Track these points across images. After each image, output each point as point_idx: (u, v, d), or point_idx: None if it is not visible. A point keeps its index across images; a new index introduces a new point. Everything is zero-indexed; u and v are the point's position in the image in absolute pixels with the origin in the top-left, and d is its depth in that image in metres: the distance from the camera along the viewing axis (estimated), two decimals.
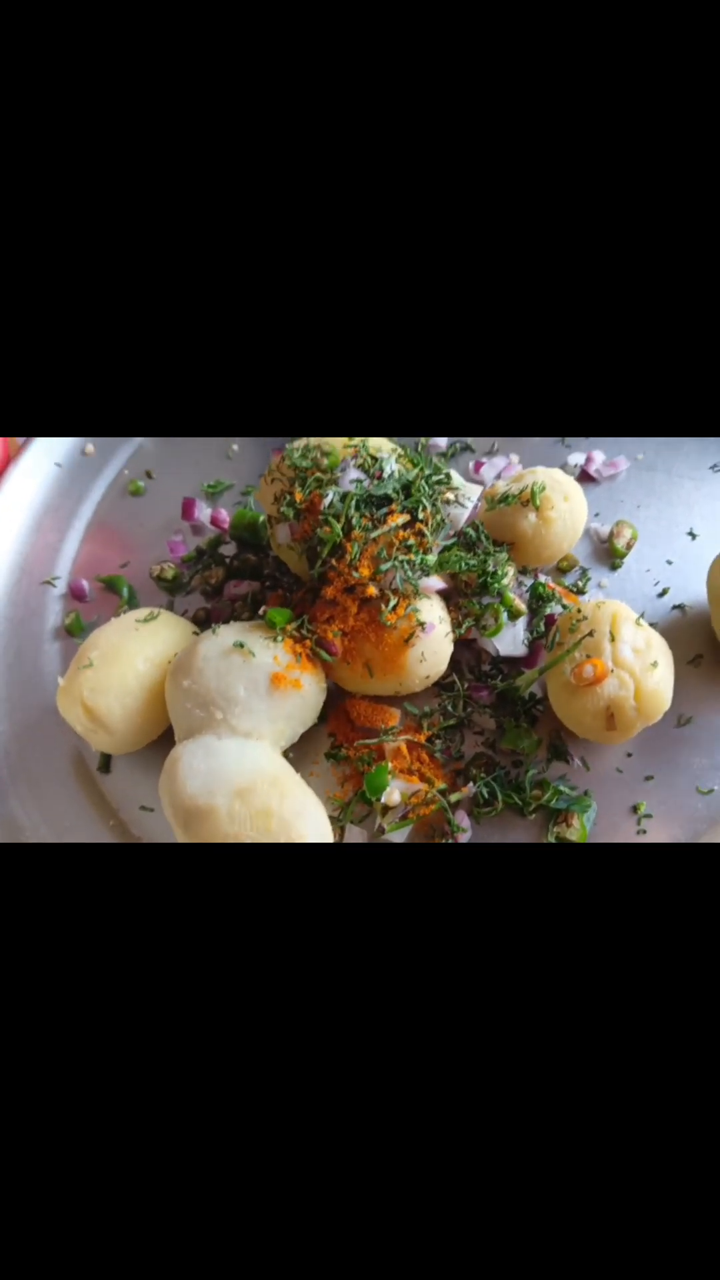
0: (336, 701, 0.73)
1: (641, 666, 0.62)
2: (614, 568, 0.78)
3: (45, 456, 0.91)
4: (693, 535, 0.79)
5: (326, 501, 0.67)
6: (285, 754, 0.68)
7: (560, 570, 0.78)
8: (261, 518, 0.82)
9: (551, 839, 0.65)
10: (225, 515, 0.85)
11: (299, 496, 0.68)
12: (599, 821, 0.67)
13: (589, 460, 0.82)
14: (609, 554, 0.78)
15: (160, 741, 0.72)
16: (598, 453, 0.83)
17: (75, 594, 0.83)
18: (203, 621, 0.80)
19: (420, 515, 0.67)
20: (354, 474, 0.68)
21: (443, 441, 0.87)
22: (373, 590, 0.65)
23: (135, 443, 0.92)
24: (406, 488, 0.68)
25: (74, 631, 0.81)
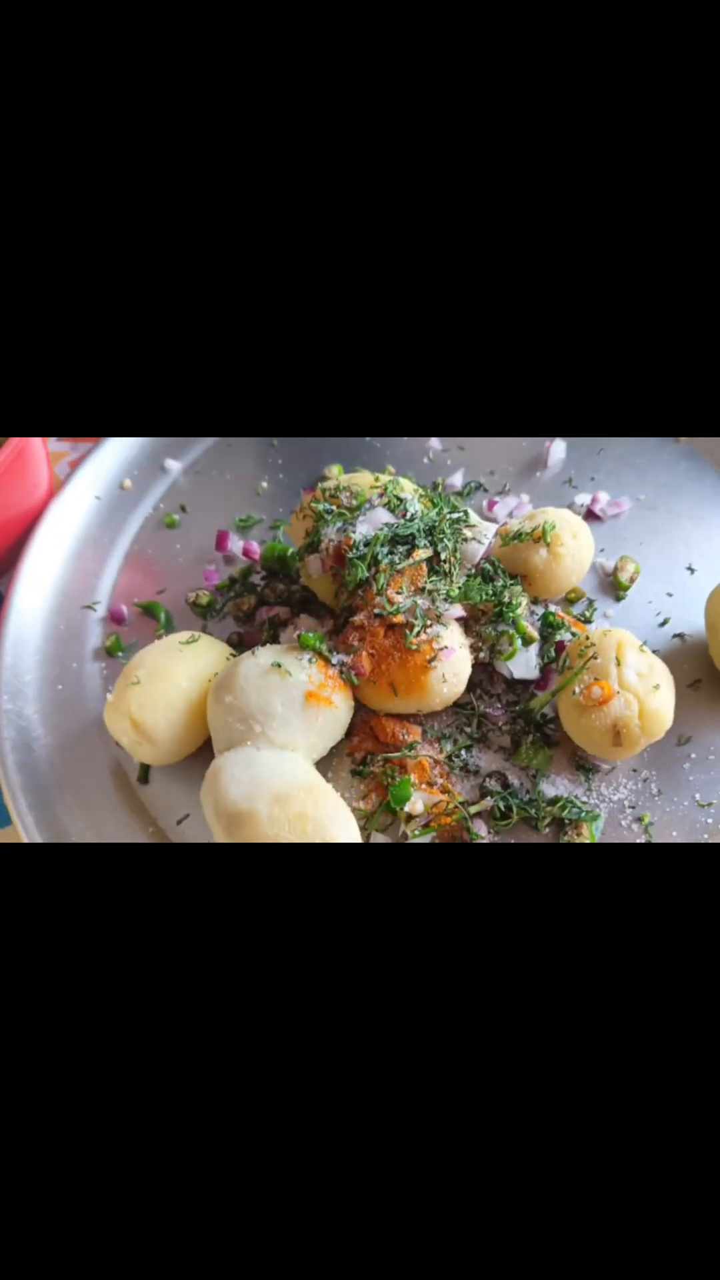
0: (360, 716, 0.78)
1: (645, 689, 0.68)
2: (618, 599, 0.84)
3: (86, 490, 0.97)
4: (691, 570, 0.85)
5: (356, 538, 0.74)
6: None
7: (569, 601, 0.84)
8: (291, 550, 0.88)
9: None
10: (256, 547, 0.92)
11: (324, 540, 0.74)
12: (607, 832, 0.72)
13: (594, 500, 0.89)
14: (614, 587, 0.84)
15: (196, 756, 0.77)
16: (603, 493, 0.90)
17: (115, 618, 0.89)
18: (236, 645, 0.85)
19: (441, 551, 0.74)
20: (380, 514, 0.75)
21: (458, 481, 0.93)
22: (400, 617, 0.71)
23: (170, 478, 0.99)
24: (430, 529, 0.74)
25: (113, 652, 0.87)
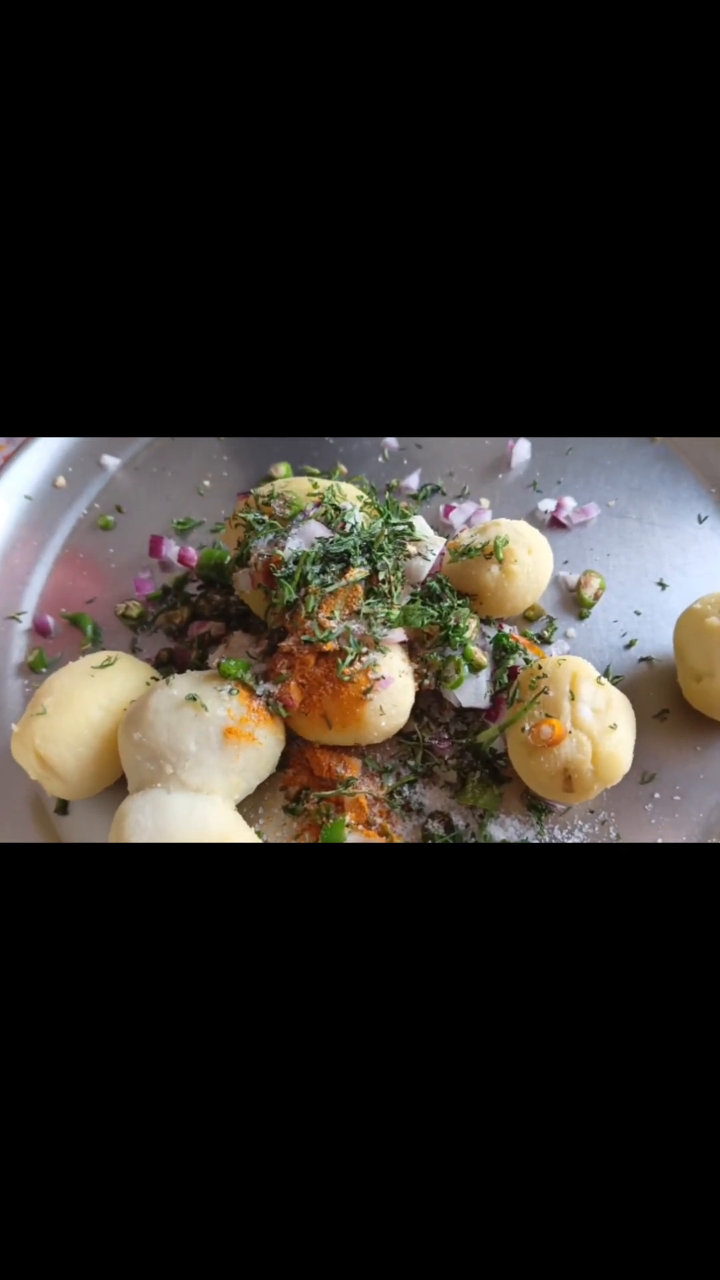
0: (296, 746, 0.72)
1: (600, 729, 0.61)
2: (581, 617, 0.77)
3: (15, 489, 0.90)
4: (662, 585, 0.78)
5: (285, 554, 0.66)
6: (240, 804, 0.67)
7: (527, 619, 0.77)
8: (228, 558, 0.81)
9: None
10: (193, 554, 0.84)
11: (254, 554, 0.67)
12: None
13: (559, 506, 0.82)
14: (576, 603, 0.77)
15: (118, 785, 0.71)
16: (569, 499, 0.82)
17: (40, 630, 0.82)
18: (165, 663, 0.79)
19: (380, 569, 0.67)
20: (313, 527, 0.67)
21: (414, 483, 0.86)
22: (330, 645, 0.64)
23: (106, 476, 0.92)
24: (369, 544, 0.67)
25: (37, 668, 0.80)
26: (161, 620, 0.81)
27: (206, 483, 0.90)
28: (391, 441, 0.89)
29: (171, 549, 0.85)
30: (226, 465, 0.91)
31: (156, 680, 0.71)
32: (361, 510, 0.71)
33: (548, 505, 0.82)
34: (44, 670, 0.80)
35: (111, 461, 0.92)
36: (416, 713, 0.70)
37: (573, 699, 0.62)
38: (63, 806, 0.73)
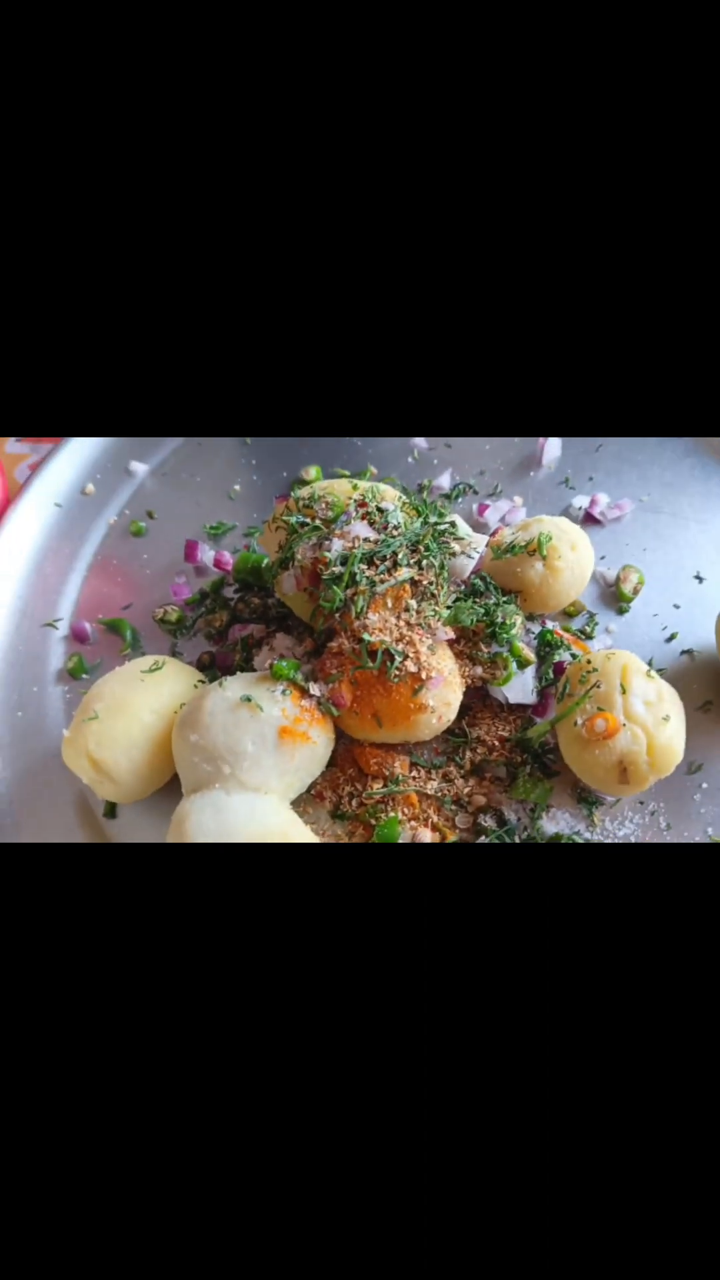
0: (342, 744, 0.72)
1: (654, 720, 0.62)
2: (621, 612, 0.77)
3: (45, 496, 0.90)
4: (699, 579, 0.79)
5: (332, 556, 0.67)
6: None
7: (567, 615, 0.77)
8: (265, 561, 0.81)
9: None
10: (228, 557, 0.85)
11: (300, 554, 0.67)
12: None
13: (593, 502, 0.82)
14: (616, 598, 0.78)
15: (167, 788, 0.71)
16: (602, 495, 0.83)
17: (78, 636, 0.82)
18: (207, 666, 0.79)
19: (427, 568, 0.67)
20: (358, 527, 0.68)
21: (446, 483, 0.86)
22: (380, 644, 0.64)
23: (135, 482, 0.92)
24: (414, 544, 0.67)
25: (77, 674, 0.80)
26: (201, 624, 0.82)
27: (237, 487, 0.91)
28: (421, 442, 0.90)
29: (206, 553, 0.86)
30: (255, 469, 0.92)
31: (203, 684, 0.71)
32: (401, 511, 0.72)
33: (581, 501, 0.83)
34: (84, 676, 0.80)
35: (140, 468, 0.92)
36: (463, 709, 0.71)
37: (624, 692, 0.63)
38: (111, 810, 0.73)
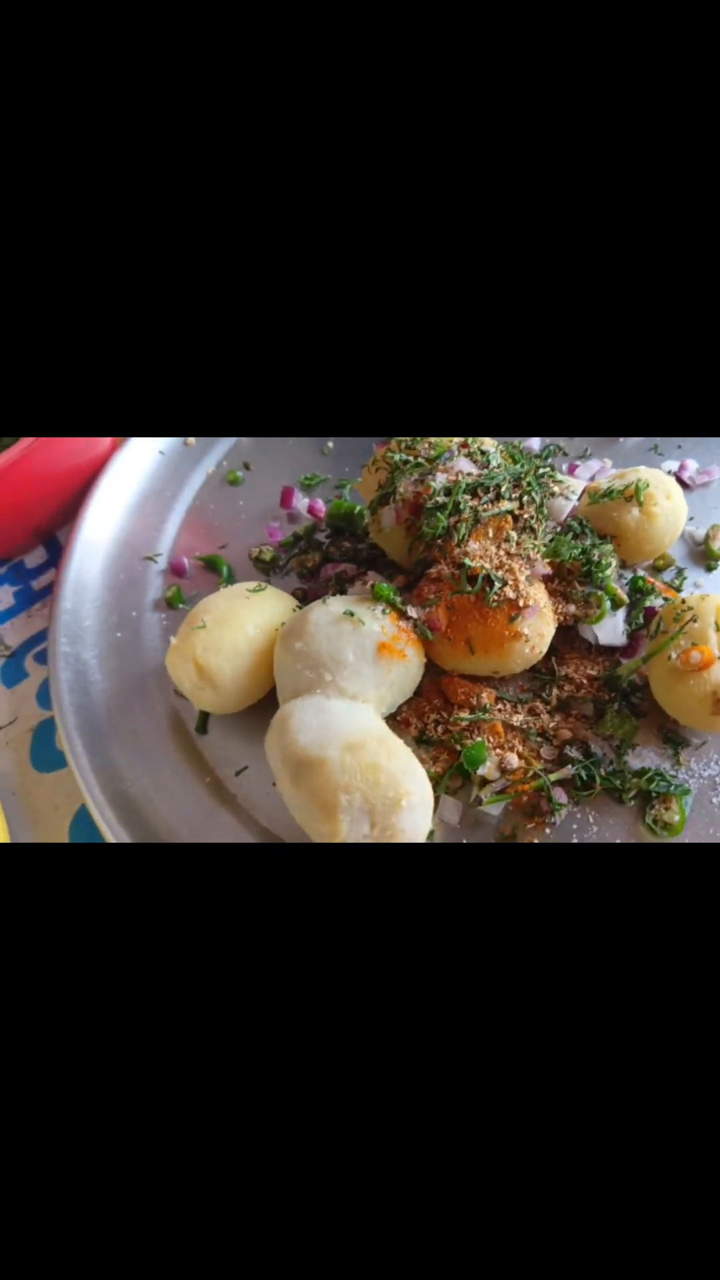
0: (425, 683, 0.73)
1: None
2: (709, 569, 0.79)
3: (149, 444, 0.95)
4: None
5: (436, 485, 0.69)
6: None
7: (656, 569, 0.79)
8: (359, 508, 0.85)
9: (649, 822, 0.66)
10: (322, 505, 0.88)
11: (403, 487, 0.70)
12: (695, 810, 0.67)
13: (683, 468, 0.84)
14: (705, 556, 0.79)
15: (256, 708, 0.74)
16: (691, 460, 0.85)
17: (176, 570, 0.86)
18: (301, 599, 0.82)
19: (527, 504, 0.70)
20: (463, 463, 0.70)
21: (536, 444, 0.89)
22: (480, 569, 0.67)
23: (233, 437, 0.96)
24: (517, 480, 0.70)
25: (174, 604, 0.84)
26: (294, 564, 0.85)
27: (330, 444, 0.95)
28: None
29: (301, 501, 0.89)
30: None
31: (303, 607, 0.74)
32: (500, 457, 0.75)
33: (670, 466, 0.85)
34: (182, 606, 0.84)
35: None
36: (550, 650, 0.72)
37: (718, 629, 0.64)
38: (202, 725, 0.76)
